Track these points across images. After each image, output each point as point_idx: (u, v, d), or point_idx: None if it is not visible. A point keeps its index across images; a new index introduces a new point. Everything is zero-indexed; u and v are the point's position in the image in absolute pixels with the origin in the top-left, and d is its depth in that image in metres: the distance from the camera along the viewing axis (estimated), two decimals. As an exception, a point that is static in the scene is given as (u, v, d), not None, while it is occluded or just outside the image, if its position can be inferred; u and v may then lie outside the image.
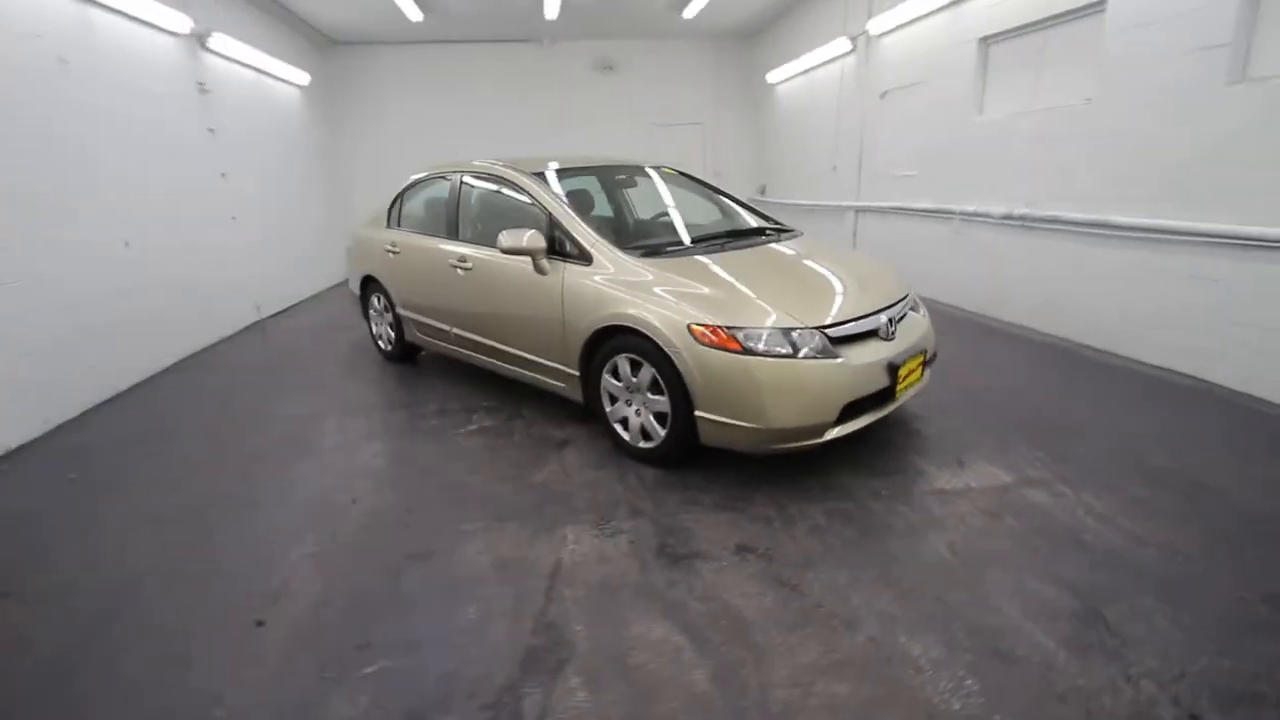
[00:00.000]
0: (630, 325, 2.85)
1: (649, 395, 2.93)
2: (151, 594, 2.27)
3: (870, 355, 2.74)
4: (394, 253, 4.52)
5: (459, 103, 10.02)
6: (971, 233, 5.63)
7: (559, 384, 3.44)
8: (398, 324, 4.69)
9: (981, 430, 3.28)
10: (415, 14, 7.88)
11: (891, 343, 2.86)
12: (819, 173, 8.42)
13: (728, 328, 2.61)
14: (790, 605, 2.06)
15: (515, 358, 3.66)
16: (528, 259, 3.35)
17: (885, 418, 2.94)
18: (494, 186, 3.98)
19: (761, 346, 2.57)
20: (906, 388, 2.95)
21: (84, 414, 4.10)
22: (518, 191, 3.70)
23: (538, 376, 3.57)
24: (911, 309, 3.21)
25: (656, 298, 2.84)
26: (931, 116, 6.05)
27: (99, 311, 4.34)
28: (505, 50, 9.89)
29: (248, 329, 6.44)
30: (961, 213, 5.67)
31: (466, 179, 4.11)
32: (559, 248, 3.30)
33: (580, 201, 3.69)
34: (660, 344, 2.74)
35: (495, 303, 3.68)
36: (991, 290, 5.47)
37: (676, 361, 2.70)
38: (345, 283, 9.26)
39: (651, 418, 2.96)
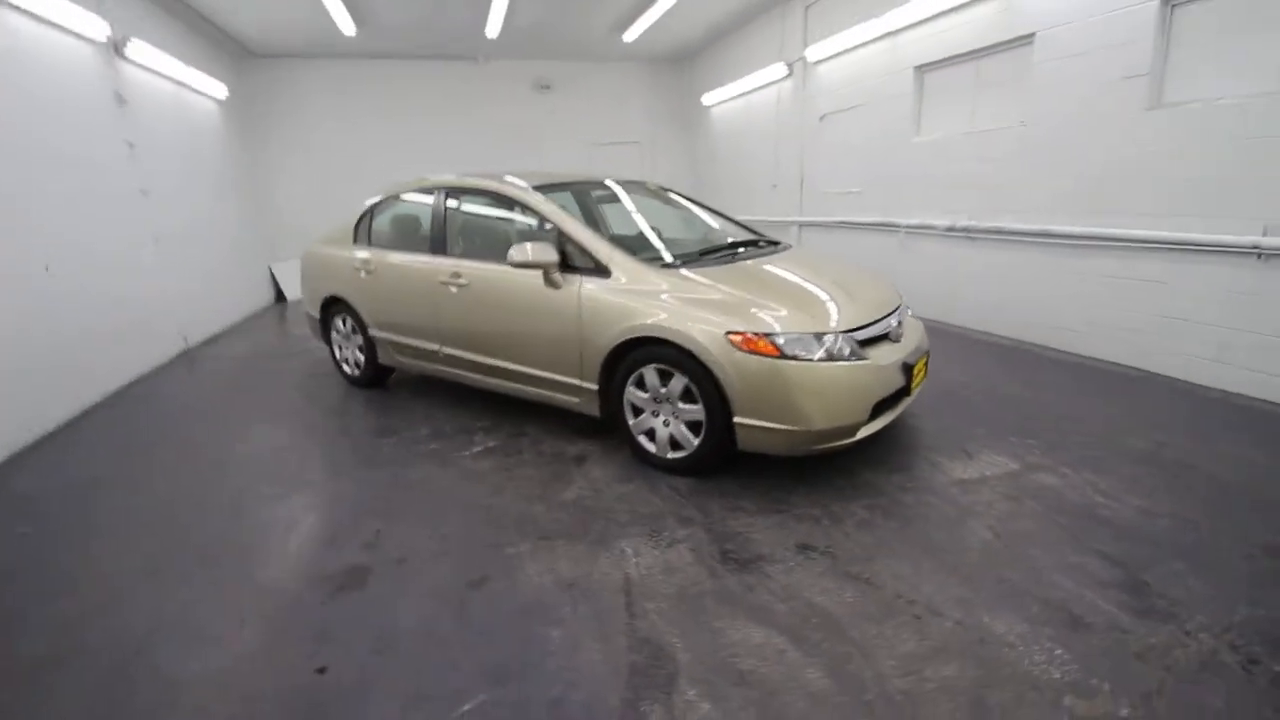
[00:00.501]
0: (663, 336, 2.85)
1: (680, 405, 2.93)
2: (170, 655, 2.01)
3: (888, 356, 2.89)
4: (366, 271, 4.28)
5: (391, 120, 9.67)
6: (917, 244, 6.06)
7: (571, 399, 3.37)
8: (369, 346, 4.43)
9: (972, 424, 3.51)
10: (349, 28, 7.57)
11: (899, 344, 3.03)
12: (758, 190, 8.78)
13: (766, 334, 2.67)
14: (870, 598, 2.12)
15: (519, 375, 3.55)
16: (535, 273, 3.30)
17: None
18: (487, 200, 3.88)
19: (800, 352, 2.65)
20: (917, 385, 3.12)
21: (6, 461, 3.58)
22: (516, 206, 3.63)
23: (545, 393, 3.49)
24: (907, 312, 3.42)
25: (685, 308, 2.86)
26: (872, 138, 6.48)
27: (20, 345, 3.83)
28: (440, 68, 9.68)
29: (175, 359, 5.87)
30: (907, 226, 6.09)
31: (453, 193, 3.98)
32: (570, 261, 3.26)
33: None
34: (696, 353, 2.76)
35: (497, 319, 3.56)
36: (939, 296, 5.89)
37: (715, 370, 2.73)
38: (273, 307, 8.72)
39: (684, 427, 2.96)
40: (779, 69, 7.79)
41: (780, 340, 2.66)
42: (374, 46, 8.71)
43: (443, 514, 2.81)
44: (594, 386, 3.22)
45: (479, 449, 3.50)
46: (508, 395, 3.76)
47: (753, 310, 2.78)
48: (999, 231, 5.13)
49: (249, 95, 8.93)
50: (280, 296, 9.32)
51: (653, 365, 2.96)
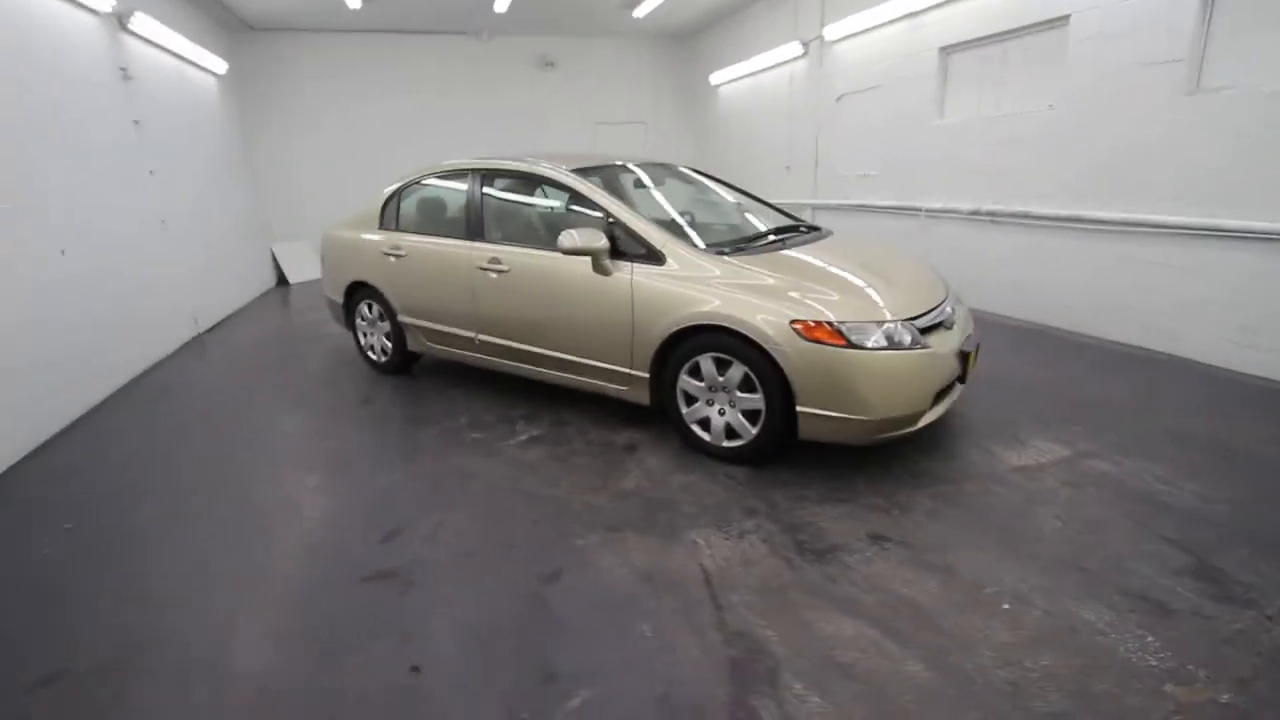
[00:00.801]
0: (725, 325, 2.82)
1: (738, 393, 2.91)
2: (252, 659, 1.98)
3: (945, 344, 2.88)
4: (395, 256, 4.19)
5: (393, 97, 9.46)
6: (939, 227, 6.05)
7: (618, 387, 3.34)
8: (398, 333, 4.36)
9: (1014, 410, 3.53)
10: (356, 0, 7.33)
11: (953, 331, 3.02)
12: (770, 171, 8.70)
13: (829, 323, 2.65)
14: (953, 588, 2.13)
15: (563, 363, 3.51)
16: (581, 260, 3.24)
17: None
18: (526, 184, 3.80)
19: (864, 340, 2.63)
20: (971, 372, 3.13)
21: (28, 456, 3.50)
22: (560, 190, 3.56)
23: (591, 381, 3.45)
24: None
25: (744, 295, 2.83)
26: (891, 119, 6.43)
27: (39, 332, 3.71)
28: (443, 43, 9.44)
29: (187, 345, 5.74)
30: (928, 209, 6.07)
31: (488, 177, 3.89)
32: (619, 247, 3.20)
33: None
34: (760, 342, 2.73)
35: (540, 306, 3.51)
36: (960, 279, 5.87)
37: (779, 359, 2.70)
38: (275, 291, 8.55)
39: (741, 415, 2.95)
40: (793, 48, 7.68)
41: (845, 328, 2.64)
42: (377, 20, 8.46)
43: (501, 505, 2.79)
44: (645, 375, 3.19)
45: (523, 438, 3.46)
46: (545, 383, 3.72)
47: (812, 298, 2.76)
48: (1025, 216, 5.13)
49: (248, 70, 8.67)
50: (282, 279, 9.14)
51: (709, 354, 2.93)
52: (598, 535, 2.52)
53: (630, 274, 3.13)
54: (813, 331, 2.65)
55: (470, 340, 3.93)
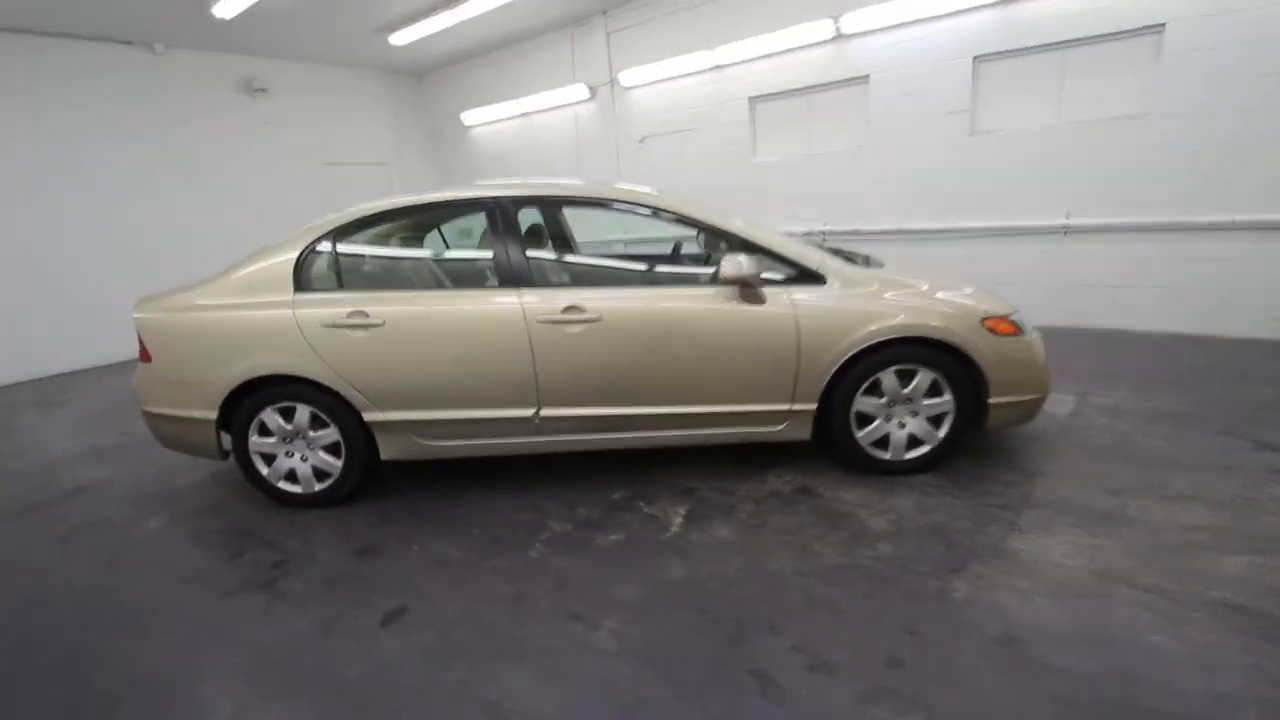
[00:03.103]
0: (921, 335, 2.78)
1: (924, 401, 2.90)
2: None
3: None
4: (358, 327, 2.87)
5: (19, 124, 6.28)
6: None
7: (769, 428, 2.96)
8: (359, 441, 2.98)
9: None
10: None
11: None
12: (559, 213, 8.58)
13: (1004, 315, 2.88)
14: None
15: (691, 418, 2.93)
16: (712, 292, 2.83)
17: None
18: (591, 212, 3.07)
19: (1027, 328, 2.94)
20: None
21: None
22: (654, 214, 2.99)
23: (731, 430, 2.97)
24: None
25: (920, 302, 2.86)
26: (706, 159, 7.09)
27: None
28: (103, 55, 6.67)
29: None
30: (760, 235, 6.87)
31: (525, 207, 3.01)
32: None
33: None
34: (956, 344, 2.79)
35: (655, 355, 2.86)
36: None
37: (976, 357, 2.80)
38: None
39: (925, 422, 2.93)
40: (578, 90, 7.79)
41: (1015, 318, 2.90)
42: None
43: (770, 602, 2.18)
44: (810, 407, 2.91)
45: (678, 521, 2.76)
46: (643, 449, 3.04)
47: (963, 298, 2.94)
48: (857, 232, 6.26)
49: None
50: None
51: (892, 368, 2.86)
52: (939, 581, 2.21)
53: (789, 298, 2.83)
54: (998, 326, 2.84)
55: (525, 421, 2.94)
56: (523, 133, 8.80)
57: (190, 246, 7.25)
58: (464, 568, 2.52)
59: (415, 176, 9.67)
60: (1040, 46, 5.08)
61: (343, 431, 2.98)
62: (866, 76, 5.92)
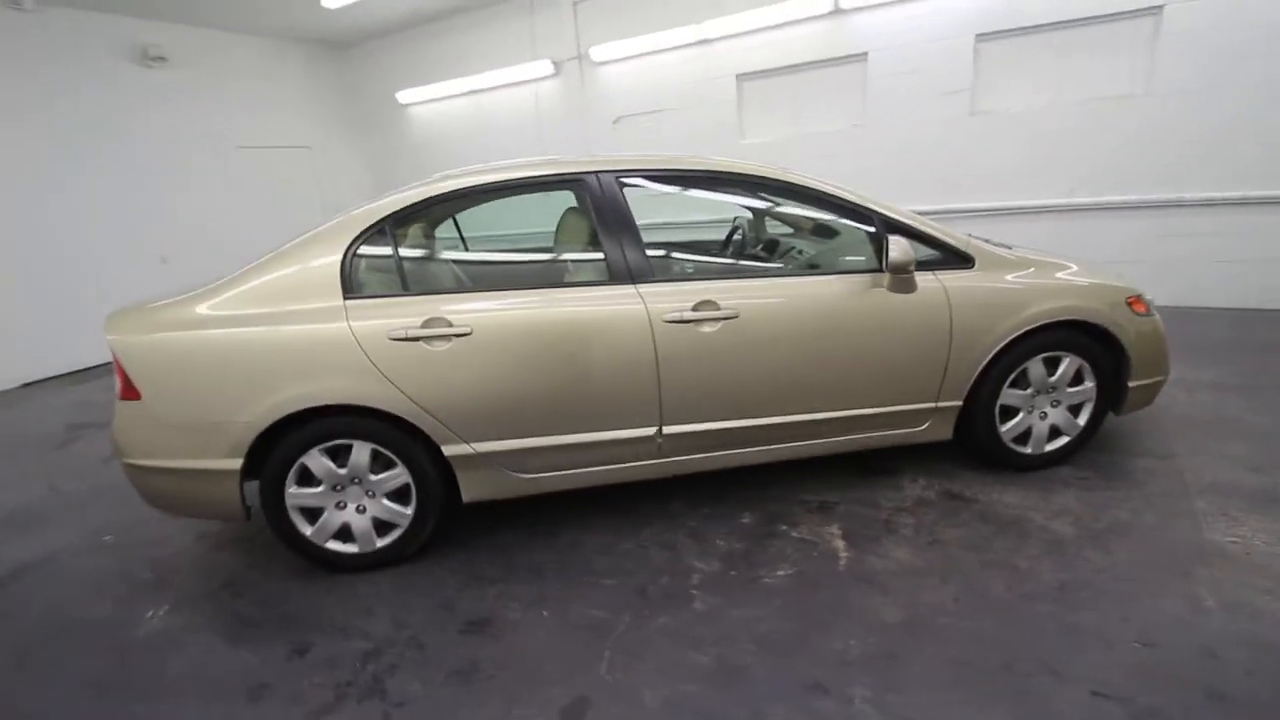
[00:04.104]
0: (1078, 318, 2.58)
1: (1068, 389, 2.71)
2: None
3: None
4: (439, 339, 2.28)
5: None
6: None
7: (909, 430, 2.67)
8: (435, 482, 2.39)
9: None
10: None
11: None
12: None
13: (1142, 296, 2.74)
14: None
15: (829, 424, 2.58)
16: (859, 281, 2.51)
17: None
18: (706, 192, 2.64)
19: (1153, 308, 2.82)
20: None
21: None
22: (775, 193, 2.62)
23: (870, 434, 2.65)
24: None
25: (1071, 280, 2.67)
26: (690, 142, 6.68)
27: None
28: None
29: None
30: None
31: (631, 181, 2.51)
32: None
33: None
34: (1108, 326, 2.62)
35: (798, 355, 2.49)
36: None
37: (1123, 340, 2.65)
38: None
39: (1066, 411, 2.75)
40: (541, 66, 7.15)
41: (1148, 297, 2.77)
42: None
43: (1028, 640, 1.91)
44: (956, 403, 2.65)
45: (842, 544, 2.41)
46: (767, 462, 2.66)
47: (1115, 278, 2.78)
48: (856, 215, 6.12)
49: None
50: None
51: (1040, 355, 2.64)
52: (1187, 587, 2.01)
53: (941, 284, 2.53)
54: (1137, 306, 2.70)
55: (645, 442, 2.47)
56: (472, 113, 8.01)
57: (65, 248, 6.00)
58: (627, 634, 2.03)
59: (343, 161, 8.61)
60: (1042, 25, 5.10)
61: (414, 472, 2.38)
62: (865, 54, 5.76)
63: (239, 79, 7.42)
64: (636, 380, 2.39)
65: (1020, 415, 2.73)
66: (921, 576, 2.19)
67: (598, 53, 6.82)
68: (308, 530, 2.40)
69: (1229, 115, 4.70)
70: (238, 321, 2.26)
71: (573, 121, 7.32)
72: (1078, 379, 2.71)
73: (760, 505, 2.69)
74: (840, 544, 2.40)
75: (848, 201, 2.62)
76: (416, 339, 2.27)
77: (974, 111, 5.52)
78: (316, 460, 2.33)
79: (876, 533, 2.46)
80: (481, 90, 7.77)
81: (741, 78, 6.35)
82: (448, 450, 2.37)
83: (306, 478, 2.35)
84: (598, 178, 2.49)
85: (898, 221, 2.59)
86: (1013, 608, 2.00)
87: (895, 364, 2.56)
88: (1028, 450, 2.78)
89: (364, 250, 2.37)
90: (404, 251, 2.45)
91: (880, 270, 2.49)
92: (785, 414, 2.54)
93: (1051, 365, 2.67)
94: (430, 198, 2.44)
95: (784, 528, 2.54)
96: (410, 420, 2.31)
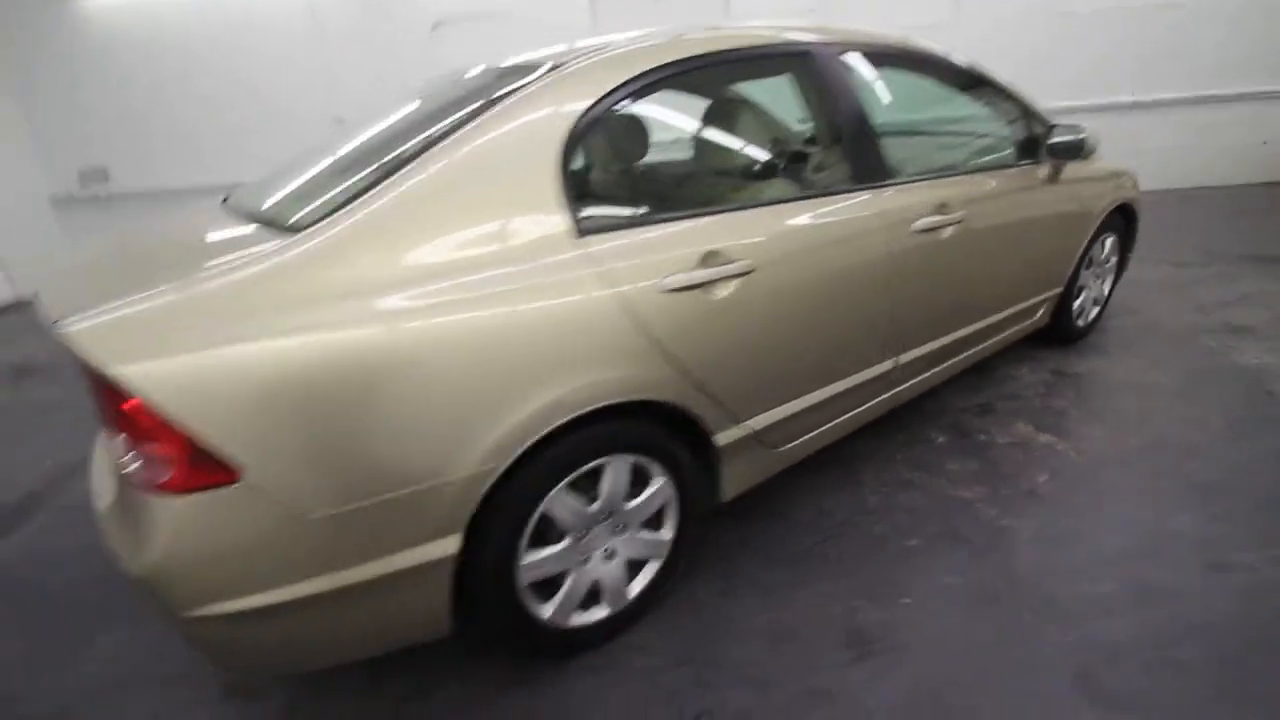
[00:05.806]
0: (1131, 200, 2.98)
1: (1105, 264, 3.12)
2: None
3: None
4: (718, 280, 1.58)
5: None
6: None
7: (1024, 325, 2.76)
8: (699, 482, 1.73)
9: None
10: None
11: None
12: (300, 127, 6.02)
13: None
14: None
15: (982, 332, 2.48)
16: (1036, 172, 2.50)
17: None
18: (892, 70, 2.22)
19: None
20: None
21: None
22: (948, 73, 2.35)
23: (1002, 335, 2.64)
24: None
25: (1114, 167, 2.99)
26: (535, 46, 5.77)
27: None
28: None
29: None
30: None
31: (841, 58, 1.98)
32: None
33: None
34: (1137, 207, 3.07)
35: (994, 261, 2.41)
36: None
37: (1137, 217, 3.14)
38: None
39: (1100, 282, 3.17)
40: (314, -50, 5.37)
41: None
42: None
43: None
44: (1058, 290, 2.84)
45: (1048, 439, 2.42)
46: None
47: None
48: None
49: None
50: None
51: (1104, 236, 2.97)
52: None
53: (1071, 173, 2.62)
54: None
55: (883, 379, 2.12)
56: (199, 19, 5.71)
57: None
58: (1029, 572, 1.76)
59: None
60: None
61: (677, 478, 1.67)
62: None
63: None
64: (877, 305, 1.99)
65: (1083, 294, 3.06)
66: (1134, 429, 2.36)
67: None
68: (547, 611, 1.53)
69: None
70: (400, 318, 1.22)
71: (368, 32, 5.74)
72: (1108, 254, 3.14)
73: (934, 425, 2.56)
74: (1049, 437, 2.42)
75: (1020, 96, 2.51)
76: (697, 286, 1.53)
77: (1062, 12, 5.61)
78: (563, 501, 1.47)
79: (1057, 418, 2.54)
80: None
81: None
82: (721, 437, 1.70)
83: (541, 533, 1.47)
84: (816, 54, 1.93)
85: (1030, 108, 2.57)
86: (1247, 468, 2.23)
87: (1051, 255, 2.67)
88: (1081, 322, 3.15)
89: (571, 160, 1.47)
90: (634, 157, 1.61)
91: (1037, 162, 2.47)
92: (984, 319, 2.43)
93: (1100, 245, 3.03)
94: (624, 84, 1.59)
95: (982, 437, 2.46)
96: (683, 407, 1.58)
